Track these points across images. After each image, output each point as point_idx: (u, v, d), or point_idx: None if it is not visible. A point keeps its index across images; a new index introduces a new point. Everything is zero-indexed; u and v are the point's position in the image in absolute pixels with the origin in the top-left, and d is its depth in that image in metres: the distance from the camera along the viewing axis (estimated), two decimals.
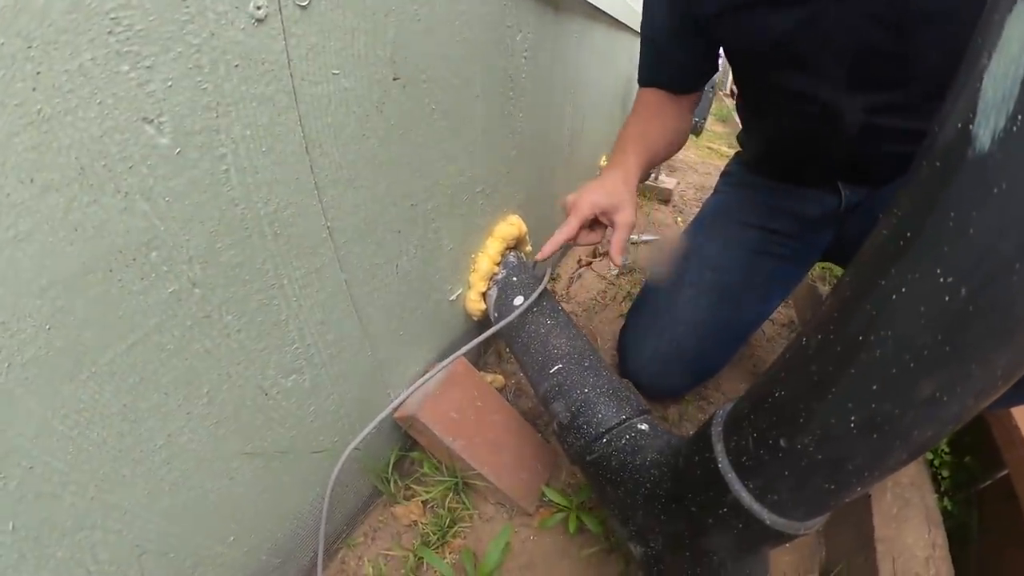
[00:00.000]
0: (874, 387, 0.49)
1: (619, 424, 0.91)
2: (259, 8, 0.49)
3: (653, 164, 1.29)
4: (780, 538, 0.63)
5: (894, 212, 0.48)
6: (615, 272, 2.10)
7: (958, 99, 0.41)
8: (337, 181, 0.66)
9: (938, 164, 0.43)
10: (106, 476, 0.51)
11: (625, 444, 0.88)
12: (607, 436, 0.90)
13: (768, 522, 0.61)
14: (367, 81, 0.65)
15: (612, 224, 1.08)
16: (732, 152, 1.61)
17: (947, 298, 0.42)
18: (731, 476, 0.64)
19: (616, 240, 1.05)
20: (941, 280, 0.42)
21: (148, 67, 0.42)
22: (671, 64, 1.24)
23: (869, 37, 0.93)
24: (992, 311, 0.40)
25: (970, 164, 0.39)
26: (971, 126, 0.38)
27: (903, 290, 0.45)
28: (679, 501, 0.75)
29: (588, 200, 1.06)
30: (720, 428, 0.69)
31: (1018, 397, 0.97)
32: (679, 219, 2.73)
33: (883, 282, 0.47)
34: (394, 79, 0.69)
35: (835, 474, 0.56)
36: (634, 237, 2.37)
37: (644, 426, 0.91)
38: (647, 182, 2.89)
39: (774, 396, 0.61)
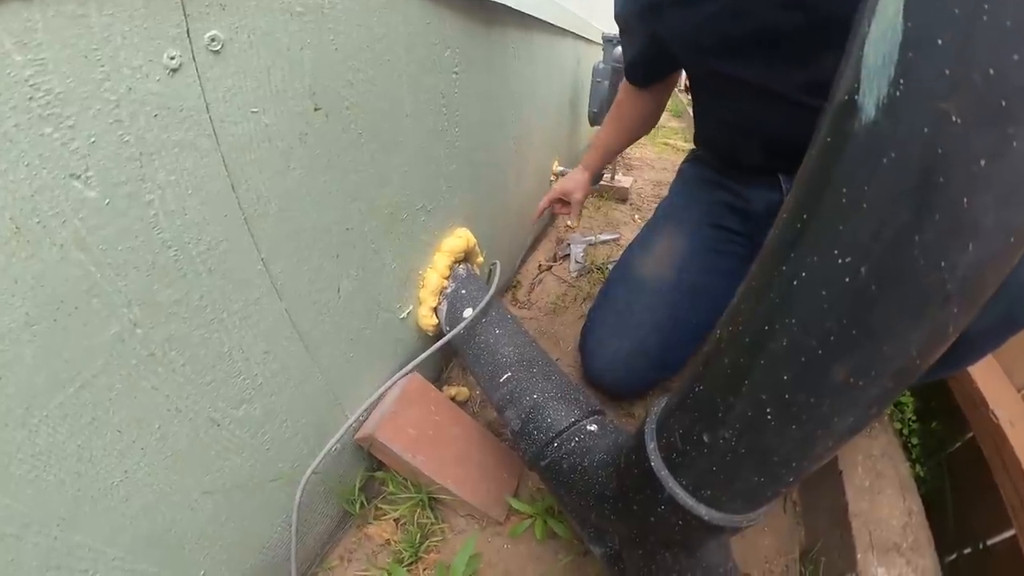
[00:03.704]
0: (785, 377, 0.49)
1: (568, 427, 0.93)
2: (172, 58, 0.53)
3: (613, 156, 1.95)
4: (724, 531, 0.64)
5: (793, 195, 0.47)
6: (574, 274, 2.17)
7: (844, 70, 0.40)
8: (266, 214, 0.71)
9: (829, 140, 0.42)
10: (67, 515, 0.55)
11: (575, 447, 0.91)
12: (557, 440, 0.93)
13: (706, 517, 0.62)
14: (287, 115, 0.70)
15: (569, 201, 1.84)
16: (688, 147, 1.71)
17: (847, 279, 0.41)
18: (664, 473, 0.65)
19: (571, 210, 1.86)
20: (840, 261, 0.41)
21: (70, 126, 0.47)
22: (629, 58, 1.47)
23: (776, 19, 1.01)
24: (896, 288, 0.40)
25: (858, 136, 0.39)
26: (856, 96, 0.38)
27: (803, 275, 0.45)
28: (624, 500, 0.76)
29: (557, 188, 1.84)
30: (653, 425, 0.70)
31: (951, 365, 1.04)
32: (636, 217, 2.82)
33: (784, 268, 0.47)
34: (315, 109, 0.74)
35: (762, 466, 0.56)
36: (592, 238, 2.45)
37: (593, 427, 0.94)
38: (603, 183, 3.00)
39: (695, 391, 0.62)
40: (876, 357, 0.44)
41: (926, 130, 0.34)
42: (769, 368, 0.50)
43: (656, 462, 0.66)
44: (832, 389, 0.47)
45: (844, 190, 0.40)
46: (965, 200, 0.34)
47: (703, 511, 0.62)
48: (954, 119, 0.33)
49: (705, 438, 0.59)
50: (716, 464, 0.59)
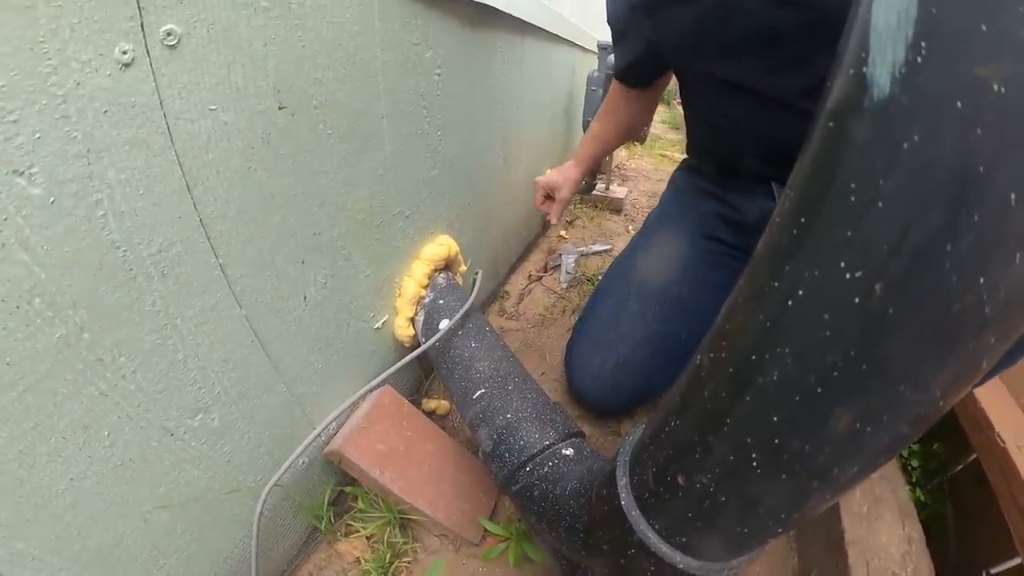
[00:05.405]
0: (775, 418, 0.43)
1: (542, 451, 0.92)
2: (125, 53, 0.54)
3: (606, 152, 1.88)
4: None
5: (787, 194, 0.41)
6: (564, 285, 2.18)
7: (847, 43, 0.35)
8: (224, 217, 0.71)
9: (831, 125, 0.36)
10: (8, 521, 0.56)
11: (547, 472, 0.88)
12: (530, 464, 0.91)
13: (681, 565, 0.58)
14: (249, 113, 0.71)
15: (555, 198, 1.73)
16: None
17: (857, 299, 0.35)
18: (635, 514, 0.61)
19: (554, 208, 1.75)
20: (847, 276, 0.35)
21: (14, 121, 0.47)
22: (620, 58, 1.47)
23: (774, 17, 1.00)
24: (920, 311, 0.33)
25: (869, 116, 0.33)
26: (865, 68, 0.32)
27: (800, 293, 0.38)
28: (594, 537, 0.72)
29: (544, 179, 1.75)
30: (627, 458, 0.66)
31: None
32: (630, 228, 2.85)
33: (776, 284, 0.41)
34: (280, 108, 0.75)
35: (745, 517, 0.51)
36: (584, 249, 2.47)
37: (569, 451, 0.92)
38: (598, 193, 3.07)
39: (670, 425, 0.57)
40: (890, 399, 0.38)
41: (959, 104, 0.29)
42: (755, 407, 0.44)
43: (627, 501, 0.62)
44: (832, 436, 0.41)
45: (853, 185, 0.34)
46: (1013, 196, 0.29)
47: (678, 558, 0.58)
48: (996, 88, 0.27)
49: (680, 480, 0.54)
50: (692, 510, 0.55)
